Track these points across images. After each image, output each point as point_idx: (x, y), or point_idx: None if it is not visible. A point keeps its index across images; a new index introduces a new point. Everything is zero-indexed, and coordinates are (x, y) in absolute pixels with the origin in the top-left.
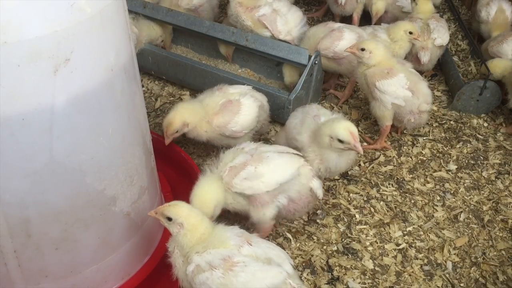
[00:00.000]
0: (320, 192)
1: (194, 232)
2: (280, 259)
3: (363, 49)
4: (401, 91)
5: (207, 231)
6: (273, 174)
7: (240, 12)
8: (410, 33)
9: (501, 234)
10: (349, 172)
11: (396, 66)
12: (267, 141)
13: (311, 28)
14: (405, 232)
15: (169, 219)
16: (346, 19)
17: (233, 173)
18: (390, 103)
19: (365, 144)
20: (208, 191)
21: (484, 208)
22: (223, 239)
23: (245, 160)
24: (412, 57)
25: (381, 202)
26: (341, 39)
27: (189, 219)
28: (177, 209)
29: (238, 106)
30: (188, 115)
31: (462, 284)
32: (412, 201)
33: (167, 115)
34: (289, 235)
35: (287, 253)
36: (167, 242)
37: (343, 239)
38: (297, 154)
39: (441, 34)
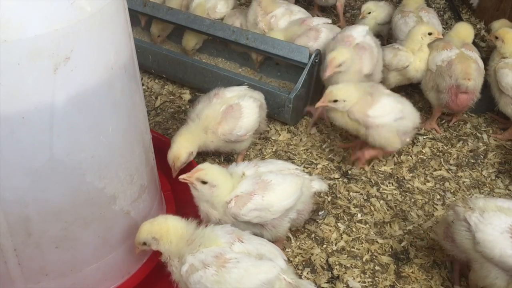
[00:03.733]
0: (324, 188)
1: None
2: (273, 255)
3: (335, 101)
4: (396, 106)
5: (182, 227)
6: (281, 203)
7: (258, 13)
8: (430, 34)
9: None
10: (350, 171)
11: (373, 91)
12: (267, 140)
13: (288, 22)
14: (405, 231)
15: (154, 239)
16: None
17: (240, 204)
18: (393, 121)
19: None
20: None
21: None
22: (213, 237)
23: (251, 190)
24: None
25: (381, 201)
26: (318, 39)
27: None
28: (150, 229)
29: (239, 110)
30: (190, 144)
31: (462, 283)
32: (412, 200)
33: (170, 149)
34: (289, 234)
35: (287, 252)
36: (160, 257)
37: (343, 238)
38: (296, 169)
39: (436, 26)
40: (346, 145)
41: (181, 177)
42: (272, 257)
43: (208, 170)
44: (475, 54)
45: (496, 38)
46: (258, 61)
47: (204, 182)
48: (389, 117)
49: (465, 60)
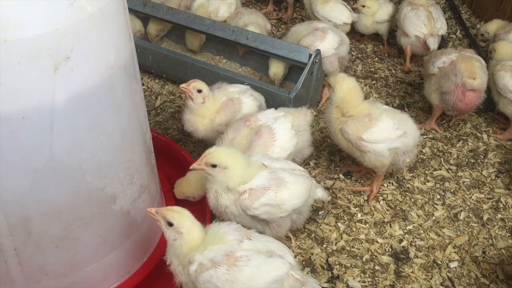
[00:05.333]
0: (325, 197)
1: (191, 244)
2: (282, 251)
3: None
4: (394, 133)
5: (201, 238)
6: (292, 202)
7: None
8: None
9: (501, 233)
10: (350, 171)
11: (372, 109)
12: None
13: (295, 25)
14: (405, 231)
15: (170, 224)
16: None
17: (253, 197)
18: (387, 150)
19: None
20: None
21: (484, 206)
22: (220, 235)
23: (267, 185)
24: (420, 44)
25: (381, 201)
26: (324, 40)
27: (191, 231)
28: (182, 217)
29: (239, 104)
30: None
31: (462, 283)
32: (412, 200)
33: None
34: (289, 233)
35: None
36: (165, 255)
37: (343, 238)
38: (305, 172)
39: (443, 24)
40: (355, 188)
41: (191, 166)
42: (281, 253)
43: (214, 152)
44: (475, 55)
45: (495, 50)
46: (278, 80)
47: (214, 166)
48: (384, 145)
49: (467, 59)
